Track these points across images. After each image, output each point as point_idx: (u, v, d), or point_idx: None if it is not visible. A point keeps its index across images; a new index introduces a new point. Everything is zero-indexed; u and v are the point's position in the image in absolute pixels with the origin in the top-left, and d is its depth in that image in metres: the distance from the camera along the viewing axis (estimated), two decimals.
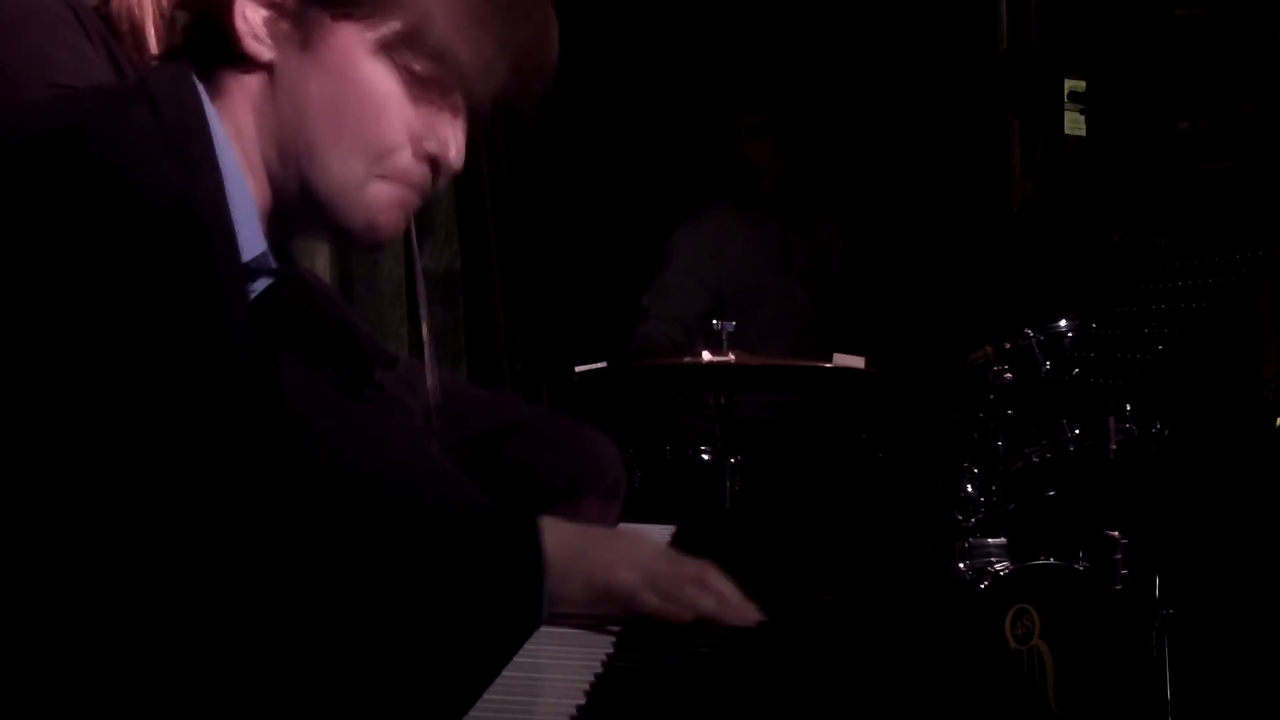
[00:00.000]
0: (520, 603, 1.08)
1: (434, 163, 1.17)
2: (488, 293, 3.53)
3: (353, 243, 1.22)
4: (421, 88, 1.14)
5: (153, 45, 1.53)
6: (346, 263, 2.95)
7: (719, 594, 1.20)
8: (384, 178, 1.16)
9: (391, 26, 1.12)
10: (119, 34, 1.60)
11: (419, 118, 1.15)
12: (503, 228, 3.64)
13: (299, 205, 1.17)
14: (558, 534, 1.14)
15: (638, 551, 1.21)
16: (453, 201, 3.30)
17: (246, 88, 1.16)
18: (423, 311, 2.13)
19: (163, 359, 0.99)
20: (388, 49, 1.13)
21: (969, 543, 2.71)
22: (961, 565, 2.68)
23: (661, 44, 4.38)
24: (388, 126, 1.14)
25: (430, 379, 1.80)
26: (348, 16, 1.12)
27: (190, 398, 0.99)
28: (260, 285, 1.18)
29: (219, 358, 1.03)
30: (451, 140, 1.17)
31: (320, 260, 2.77)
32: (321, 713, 0.99)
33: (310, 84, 1.14)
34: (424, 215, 3.15)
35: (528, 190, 3.94)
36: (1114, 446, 2.61)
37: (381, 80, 1.13)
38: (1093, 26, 3.99)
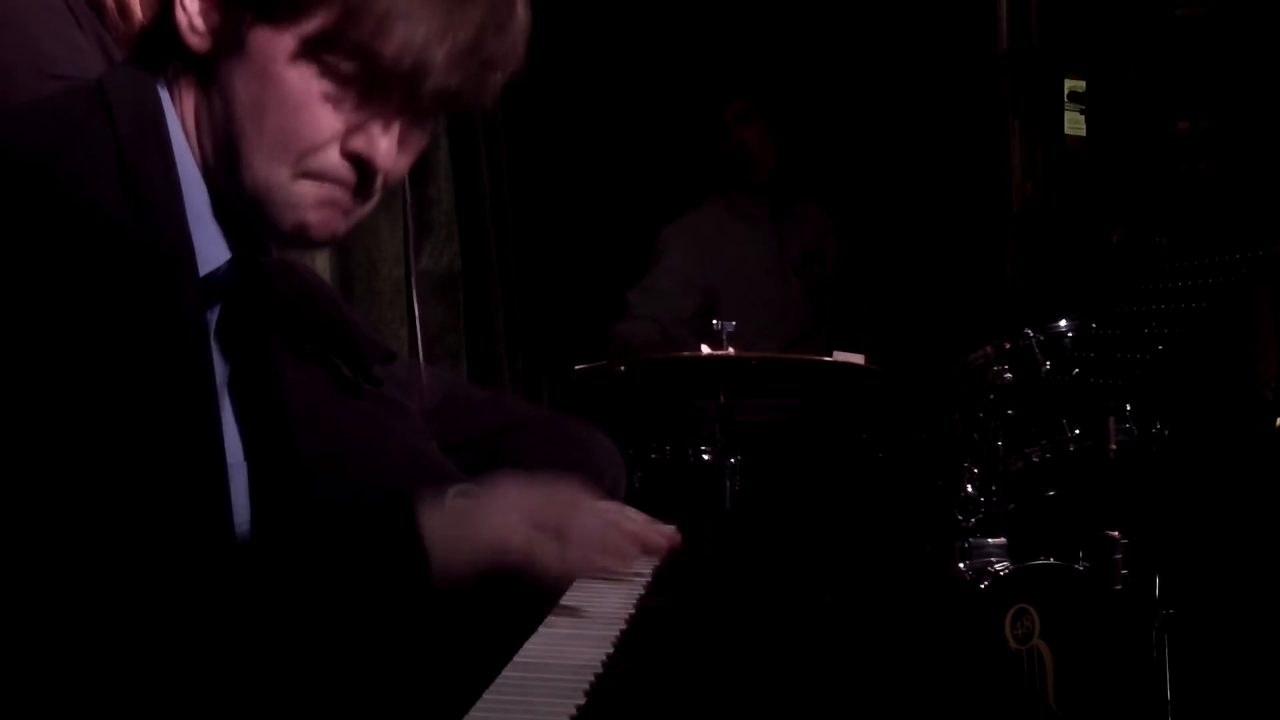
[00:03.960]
0: (408, 588, 1.07)
1: (364, 161, 1.14)
2: (488, 293, 3.53)
3: (286, 242, 1.20)
4: (347, 85, 1.12)
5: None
6: (346, 263, 2.95)
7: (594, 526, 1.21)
8: (309, 176, 1.14)
9: (312, 25, 1.10)
10: (108, 24, 1.60)
11: (346, 116, 1.13)
12: (503, 228, 3.64)
13: (233, 202, 1.15)
14: (436, 510, 1.12)
15: (520, 502, 1.19)
16: (453, 201, 3.30)
17: (190, 82, 1.15)
18: (416, 313, 2.12)
19: (96, 382, 0.99)
20: (311, 49, 1.11)
21: (969, 543, 2.71)
22: (961, 565, 2.68)
23: (662, 44, 4.38)
24: (309, 126, 1.12)
25: (424, 381, 1.80)
26: (269, 18, 1.11)
27: (122, 423, 0.99)
28: (227, 288, 1.18)
29: (158, 385, 1.02)
30: (380, 138, 1.14)
31: (320, 260, 2.77)
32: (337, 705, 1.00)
33: (237, 82, 1.12)
34: (424, 215, 3.15)
35: (528, 190, 3.94)
36: (1114, 446, 2.61)
37: (302, 80, 1.11)
38: (1093, 26, 3.99)
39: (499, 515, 1.16)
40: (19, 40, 1.48)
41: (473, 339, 3.44)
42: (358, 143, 1.13)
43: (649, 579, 1.37)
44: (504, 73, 1.19)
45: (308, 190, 1.14)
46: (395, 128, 1.15)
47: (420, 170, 3.06)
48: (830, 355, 2.84)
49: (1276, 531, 3.00)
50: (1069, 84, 4.01)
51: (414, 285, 2.31)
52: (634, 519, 1.30)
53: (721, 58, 4.33)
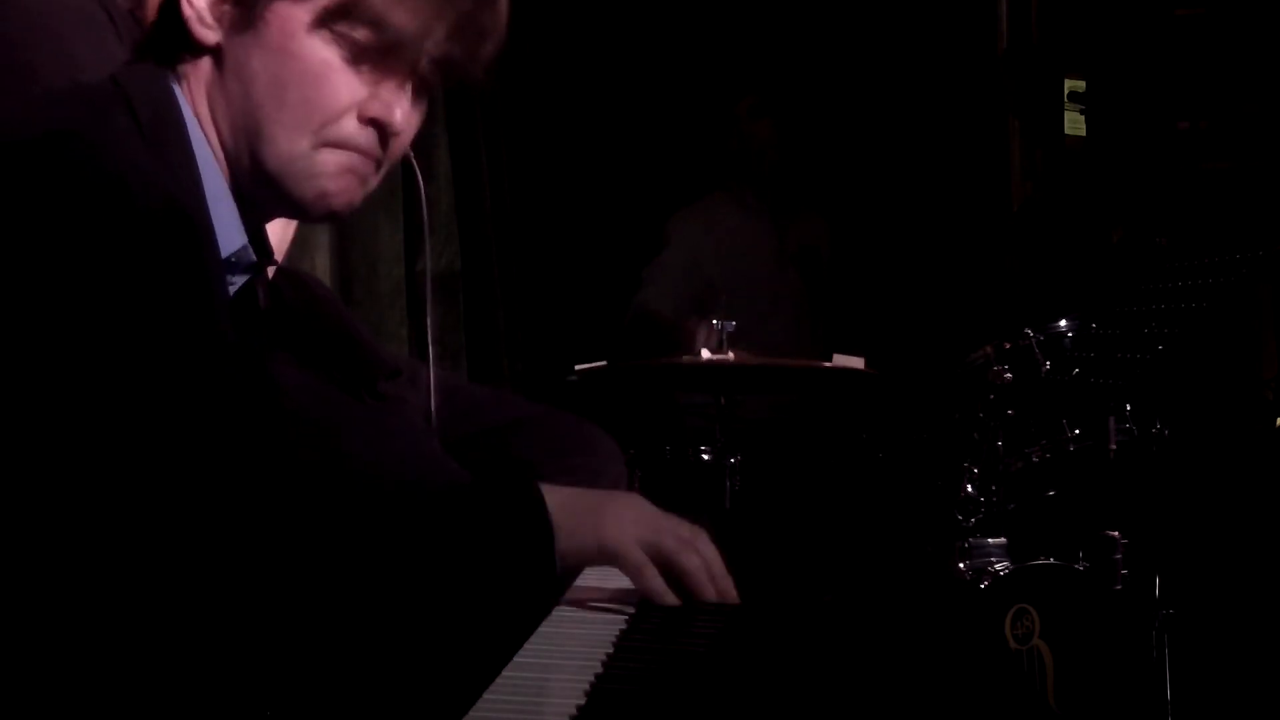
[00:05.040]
0: (534, 564, 1.09)
1: (380, 127, 1.19)
2: (488, 293, 3.53)
3: (308, 214, 1.25)
4: (362, 55, 1.17)
5: None
6: (346, 263, 2.95)
7: (707, 561, 1.22)
8: (330, 145, 1.18)
9: None
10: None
11: (362, 84, 1.18)
12: (503, 228, 3.65)
13: (254, 183, 1.19)
14: (558, 495, 1.15)
15: (638, 511, 1.22)
16: (452, 201, 3.31)
17: (202, 73, 1.19)
18: (430, 315, 2.13)
19: (146, 356, 1.00)
20: (326, 20, 1.15)
21: (969, 543, 2.71)
22: (961, 565, 2.68)
23: (660, 41, 4.38)
24: (329, 95, 1.17)
25: (431, 382, 1.80)
26: None
27: (174, 395, 1.00)
28: (241, 279, 1.21)
29: (203, 354, 1.04)
30: (395, 103, 1.19)
31: (320, 260, 2.77)
32: (338, 705, 0.99)
33: (253, 62, 1.16)
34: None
35: (528, 190, 3.94)
36: (1114, 446, 2.61)
37: (320, 51, 1.16)
38: (1093, 26, 3.99)
39: (616, 522, 1.18)
40: (49, 45, 1.48)
41: (472, 339, 3.45)
42: (374, 108, 1.18)
43: None
44: (493, 44, 1.25)
45: (328, 159, 1.18)
46: (407, 93, 1.20)
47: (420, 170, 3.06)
48: (830, 358, 2.84)
49: (1276, 531, 3.00)
50: (1069, 84, 4.01)
51: (430, 286, 2.32)
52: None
53: (720, 58, 4.33)
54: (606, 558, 1.18)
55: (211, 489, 0.99)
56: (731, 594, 1.22)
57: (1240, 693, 2.80)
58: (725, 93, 4.06)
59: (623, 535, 1.18)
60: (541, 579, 1.10)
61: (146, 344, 1.00)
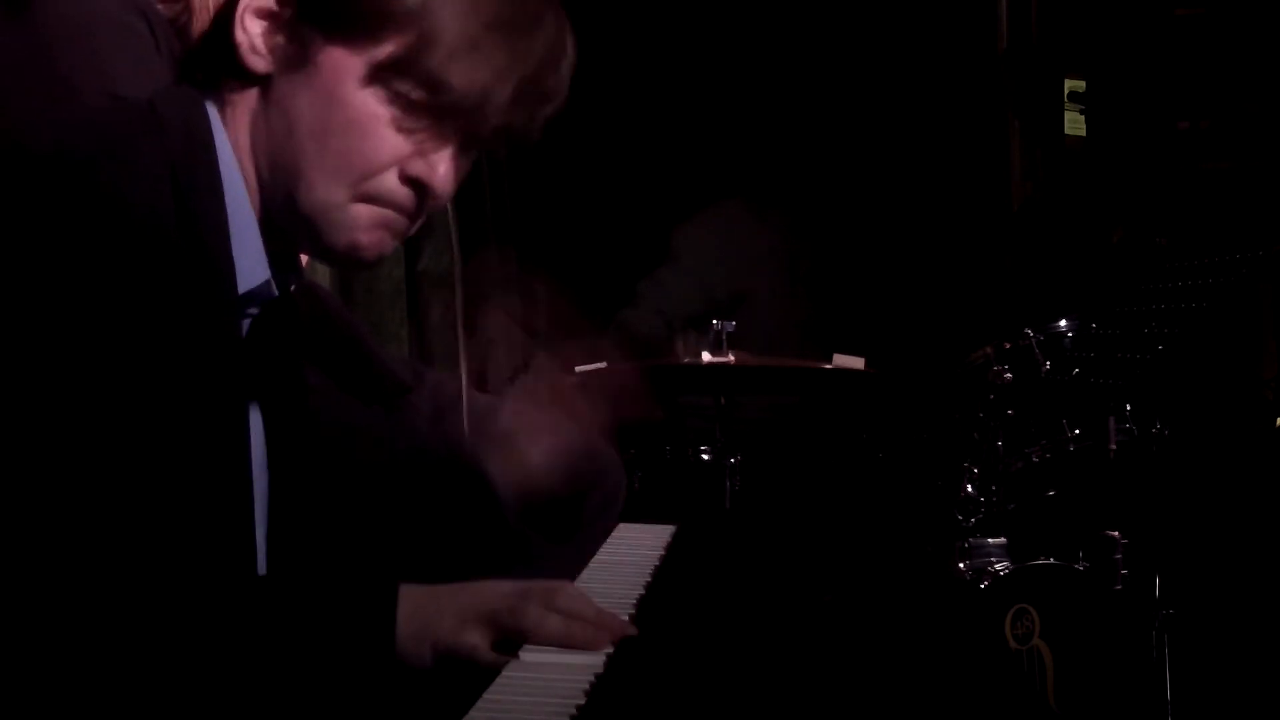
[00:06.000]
0: (367, 674, 1.04)
1: (421, 185, 1.15)
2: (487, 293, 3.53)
3: (336, 261, 1.21)
4: (413, 113, 1.13)
5: None
6: None
7: (568, 615, 1.12)
8: (366, 199, 1.14)
9: (384, 51, 1.11)
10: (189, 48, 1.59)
11: (408, 142, 1.14)
12: (502, 228, 3.65)
13: (285, 219, 1.16)
14: (409, 604, 1.08)
15: (484, 602, 1.12)
16: (452, 201, 3.31)
17: (246, 100, 1.16)
18: (458, 316, 2.12)
19: (134, 389, 1.00)
20: (380, 73, 1.11)
21: (969, 543, 2.71)
22: (961, 565, 2.68)
23: (662, 40, 4.38)
24: (372, 150, 1.13)
25: (464, 395, 1.80)
26: (341, 39, 1.11)
27: (151, 431, 1.01)
28: (262, 304, 1.19)
29: (189, 397, 1.04)
30: (440, 164, 1.15)
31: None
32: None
33: (301, 102, 1.13)
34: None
35: (528, 190, 3.94)
36: (1114, 446, 2.61)
37: (370, 104, 1.12)
38: (1093, 26, 3.99)
39: (463, 625, 1.10)
40: (85, 56, 1.47)
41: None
42: (417, 168, 1.14)
43: (649, 579, 1.37)
44: (554, 106, 1.22)
45: (363, 213, 1.15)
46: (453, 155, 1.16)
47: None
48: (830, 358, 2.84)
49: (1276, 531, 3.00)
50: (1069, 84, 4.01)
51: (459, 285, 2.31)
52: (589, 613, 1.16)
53: (720, 57, 4.33)
54: (444, 659, 1.10)
55: (151, 524, 0.99)
56: (609, 633, 1.11)
57: (1240, 693, 2.80)
58: (724, 93, 4.05)
59: (459, 639, 1.09)
60: (372, 690, 1.04)
61: (122, 372, 0.99)
